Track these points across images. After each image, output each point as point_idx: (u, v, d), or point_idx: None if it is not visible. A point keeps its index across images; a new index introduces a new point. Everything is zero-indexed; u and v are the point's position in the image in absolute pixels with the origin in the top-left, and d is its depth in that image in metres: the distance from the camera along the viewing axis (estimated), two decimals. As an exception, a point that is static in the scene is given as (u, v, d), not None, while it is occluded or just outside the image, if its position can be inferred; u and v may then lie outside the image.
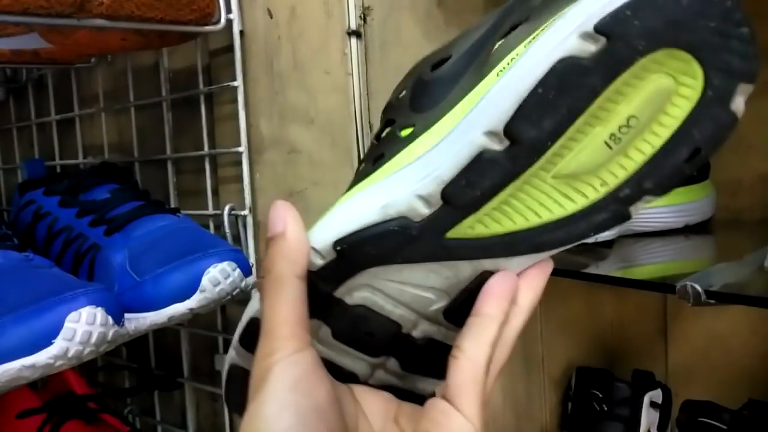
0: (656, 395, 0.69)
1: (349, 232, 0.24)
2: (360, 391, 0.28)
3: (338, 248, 0.24)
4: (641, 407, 0.67)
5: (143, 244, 0.47)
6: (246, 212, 0.60)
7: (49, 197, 0.55)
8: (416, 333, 0.27)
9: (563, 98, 0.21)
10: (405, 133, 0.26)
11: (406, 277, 0.25)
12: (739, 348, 0.70)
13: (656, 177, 0.23)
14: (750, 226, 0.61)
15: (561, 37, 0.21)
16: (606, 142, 0.22)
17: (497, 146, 0.22)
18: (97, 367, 0.75)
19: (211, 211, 0.63)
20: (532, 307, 0.26)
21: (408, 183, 0.24)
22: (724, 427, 0.60)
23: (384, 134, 0.27)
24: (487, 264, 0.25)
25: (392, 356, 0.28)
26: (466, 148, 0.23)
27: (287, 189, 0.59)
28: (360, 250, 0.24)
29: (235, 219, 0.60)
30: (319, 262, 0.25)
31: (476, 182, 0.23)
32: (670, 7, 0.20)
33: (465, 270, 0.25)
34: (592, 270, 0.48)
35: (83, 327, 0.35)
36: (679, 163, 0.22)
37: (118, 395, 0.72)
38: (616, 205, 0.23)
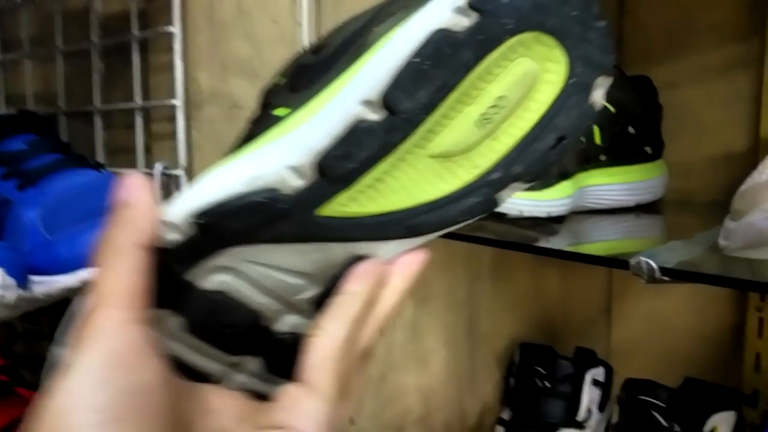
0: (598, 373, 0.69)
1: (212, 204, 0.22)
2: (210, 388, 0.25)
3: (199, 222, 0.22)
4: (583, 384, 0.68)
5: (58, 201, 0.42)
6: (180, 172, 0.55)
7: (-44, 146, 0.49)
8: (282, 326, 0.25)
9: (438, 70, 0.22)
10: (280, 112, 0.24)
11: (274, 260, 0.23)
12: (680, 328, 0.70)
13: (524, 162, 0.24)
14: (700, 207, 0.61)
15: (436, 11, 0.22)
16: (477, 122, 0.23)
17: (373, 116, 0.22)
18: (15, 335, 0.70)
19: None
20: (403, 292, 0.25)
21: (279, 154, 0.23)
22: (663, 404, 0.60)
23: (259, 116, 0.26)
24: (360, 248, 0.24)
25: (256, 355, 0.25)
26: (342, 118, 0.22)
27: (227, 147, 0.55)
28: (223, 225, 0.22)
29: (167, 178, 0.56)
30: (175, 237, 0.22)
31: (352, 153, 0.22)
32: None
33: (337, 253, 0.24)
34: (542, 245, 0.47)
35: (-24, 288, 0.31)
36: (545, 150, 0.24)
37: (37, 366, 0.67)
38: (486, 189, 0.24)
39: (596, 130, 0.55)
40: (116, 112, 0.62)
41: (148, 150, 0.60)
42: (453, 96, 0.22)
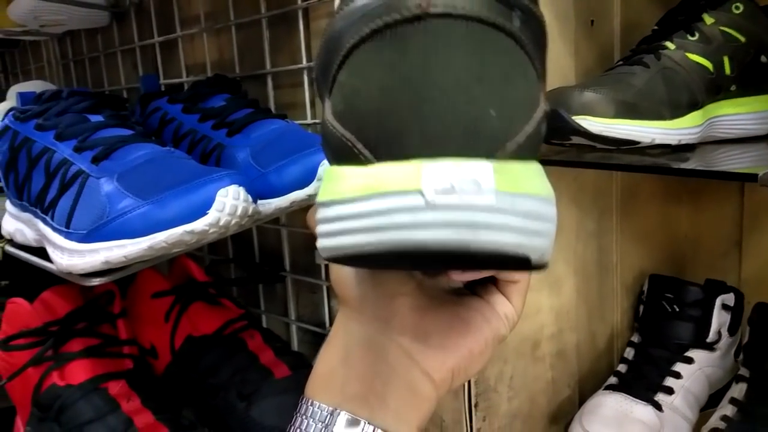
0: (728, 298, 0.71)
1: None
2: None
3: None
4: (713, 309, 0.70)
5: (262, 143, 0.53)
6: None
7: (172, 105, 0.62)
8: None
9: None
10: None
11: None
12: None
13: None
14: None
15: None
16: None
17: None
18: (208, 264, 0.85)
19: (309, 120, 0.68)
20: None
21: None
22: (795, 327, 0.62)
23: None
24: None
25: None
26: None
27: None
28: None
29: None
30: None
31: None
32: None
33: None
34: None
35: (231, 201, 0.41)
36: None
37: (228, 285, 0.80)
38: None
39: (726, 60, 0.57)
40: (284, 74, 0.72)
41: (312, 105, 0.69)
42: None
